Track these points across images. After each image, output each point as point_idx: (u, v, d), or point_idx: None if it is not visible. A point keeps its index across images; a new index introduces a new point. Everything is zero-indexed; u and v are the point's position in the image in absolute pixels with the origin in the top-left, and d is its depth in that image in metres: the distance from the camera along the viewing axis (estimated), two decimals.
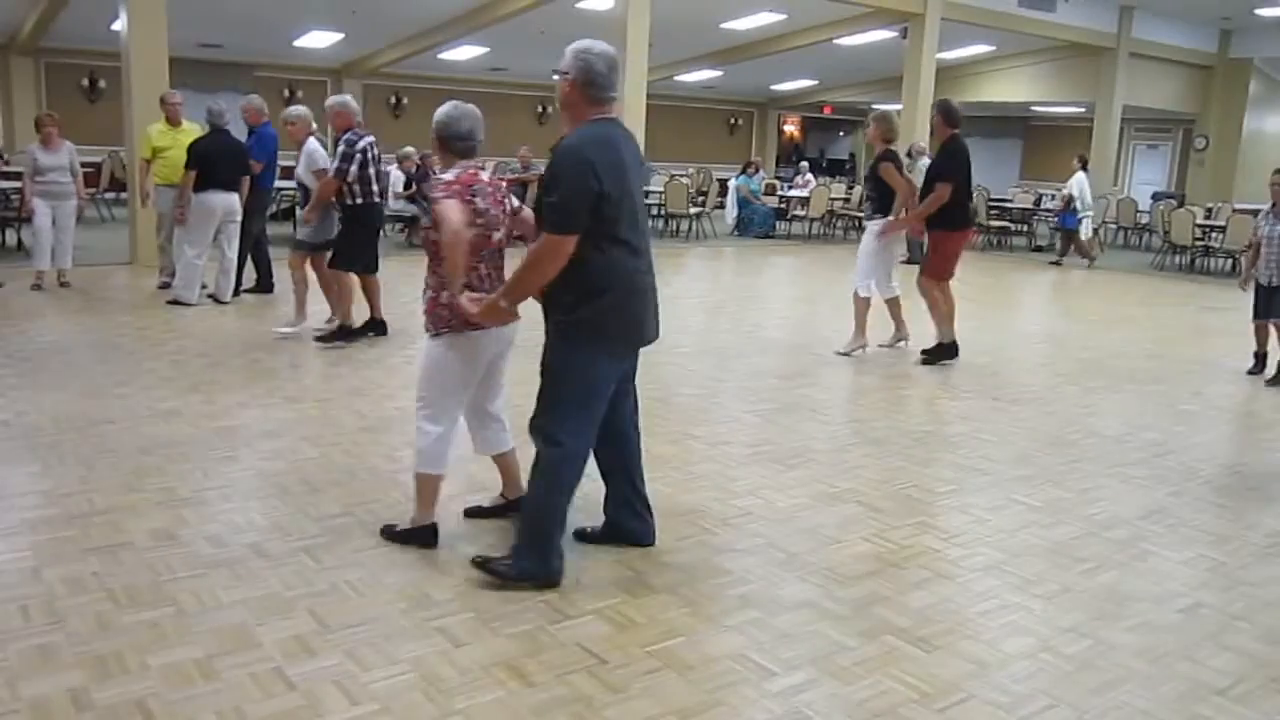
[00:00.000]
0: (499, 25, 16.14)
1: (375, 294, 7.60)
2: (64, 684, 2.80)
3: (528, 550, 3.53)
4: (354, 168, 7.00)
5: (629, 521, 3.91)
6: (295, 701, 2.77)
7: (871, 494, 4.71)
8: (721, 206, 18.26)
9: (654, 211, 17.32)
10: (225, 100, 9.12)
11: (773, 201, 18.43)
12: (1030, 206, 18.64)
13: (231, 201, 8.59)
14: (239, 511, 4.13)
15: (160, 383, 6.07)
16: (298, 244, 7.57)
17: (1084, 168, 15.31)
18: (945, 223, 7.49)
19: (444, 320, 3.68)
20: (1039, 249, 17.33)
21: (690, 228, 17.15)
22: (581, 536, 3.92)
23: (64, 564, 3.56)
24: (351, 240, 7.27)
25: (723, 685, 2.97)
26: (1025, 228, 18.30)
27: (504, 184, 3.98)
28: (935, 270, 7.65)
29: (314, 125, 7.71)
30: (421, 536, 3.82)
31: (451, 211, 3.52)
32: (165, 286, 9.24)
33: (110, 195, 15.69)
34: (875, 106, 7.48)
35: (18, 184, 10.42)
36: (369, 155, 7.10)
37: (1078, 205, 15.09)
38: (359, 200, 7.12)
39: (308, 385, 6.36)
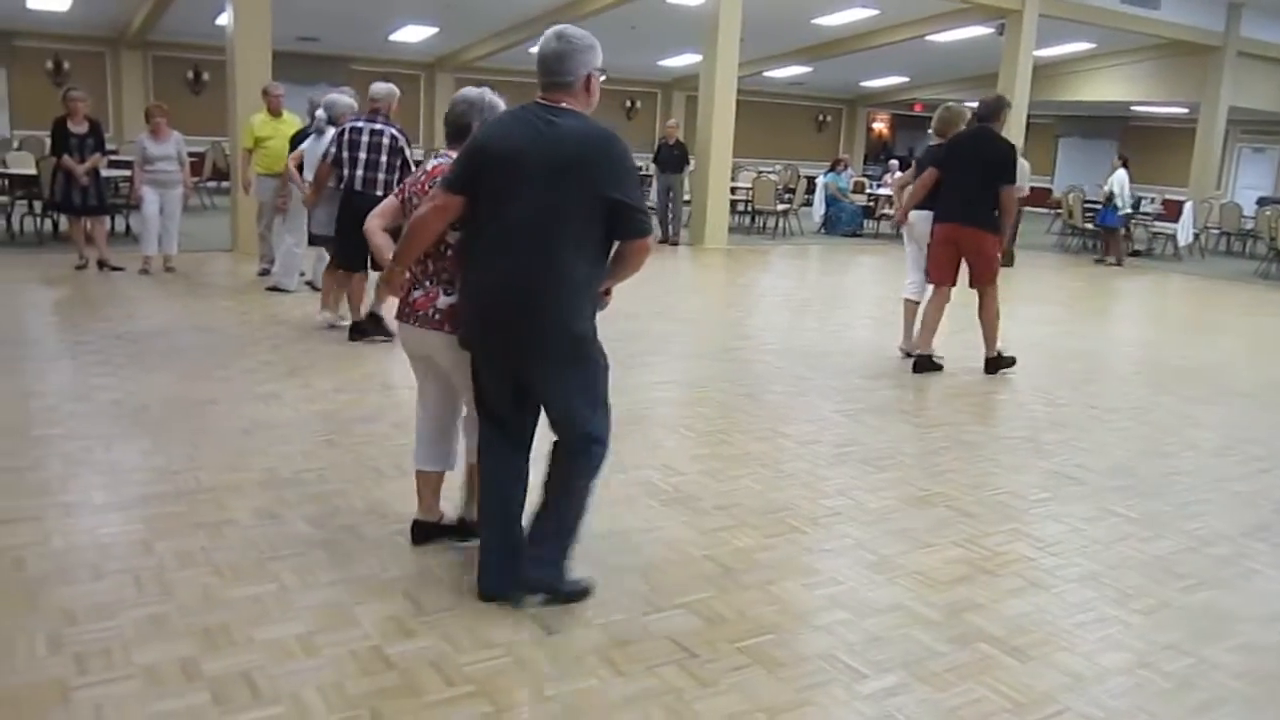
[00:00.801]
0: (590, 20, 16.22)
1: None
2: (174, 653, 2.91)
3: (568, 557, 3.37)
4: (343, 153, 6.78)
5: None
6: (393, 680, 2.84)
7: (963, 499, 4.64)
8: (809, 204, 18.12)
9: (741, 207, 17.29)
10: (324, 93, 9.34)
11: (861, 199, 18.23)
12: (1129, 210, 18.08)
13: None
14: (337, 494, 4.24)
15: (260, 366, 6.25)
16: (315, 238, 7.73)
17: (1125, 165, 15.53)
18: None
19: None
20: (1136, 253, 16.85)
21: (777, 225, 17.05)
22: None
23: (173, 538, 3.69)
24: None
25: (812, 685, 2.97)
26: (1123, 231, 17.78)
27: None
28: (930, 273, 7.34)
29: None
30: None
31: (383, 203, 3.67)
32: (264, 273, 9.51)
33: (212, 184, 16.19)
34: (968, 104, 7.34)
35: (127, 173, 10.81)
36: (344, 139, 6.79)
37: (1118, 203, 15.03)
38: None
39: (401, 372, 6.46)
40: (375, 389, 5.91)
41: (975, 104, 7.28)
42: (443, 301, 3.41)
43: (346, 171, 6.78)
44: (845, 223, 17.46)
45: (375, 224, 3.62)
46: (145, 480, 4.26)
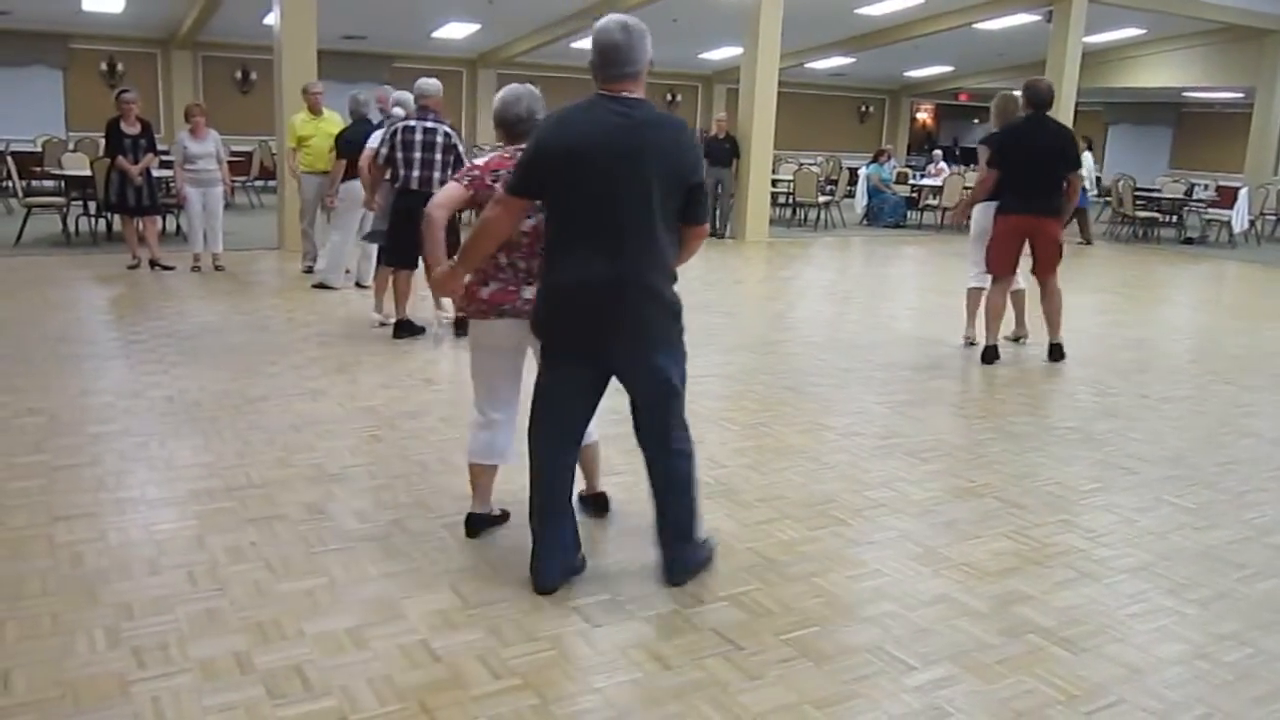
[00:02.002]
0: (631, 13, 16.22)
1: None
2: (229, 647, 2.95)
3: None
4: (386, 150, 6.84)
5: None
6: (441, 673, 2.87)
7: (1010, 490, 4.58)
8: (851, 195, 17.98)
9: (782, 200, 17.19)
10: (365, 91, 9.43)
11: (904, 190, 18.05)
12: (1181, 196, 17.76)
13: None
14: (384, 488, 4.28)
15: (307, 363, 6.33)
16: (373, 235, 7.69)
17: (1089, 148, 15.95)
18: (998, 210, 7.05)
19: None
20: (1189, 241, 16.53)
21: (819, 217, 16.94)
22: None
23: (225, 533, 3.75)
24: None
25: (860, 677, 2.95)
26: (1175, 218, 17.47)
27: None
28: (989, 263, 7.17)
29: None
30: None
31: (442, 192, 3.59)
32: (309, 271, 9.63)
33: (259, 183, 16.42)
34: (1016, 93, 7.21)
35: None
36: (398, 140, 6.82)
37: (1087, 185, 15.00)
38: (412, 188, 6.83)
39: (444, 369, 6.53)
40: (420, 385, 5.95)
41: (1019, 90, 7.12)
42: (529, 293, 3.48)
43: (402, 171, 6.80)
44: (888, 214, 17.30)
45: (440, 214, 3.52)
46: (197, 476, 4.33)
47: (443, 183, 6.47)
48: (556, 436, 3.38)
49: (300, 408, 5.37)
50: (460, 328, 7.26)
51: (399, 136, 6.79)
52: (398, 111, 7.74)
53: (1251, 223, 16.71)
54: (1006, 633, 3.25)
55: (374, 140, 7.28)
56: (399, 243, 6.87)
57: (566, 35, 18.29)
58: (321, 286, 8.90)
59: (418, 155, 6.78)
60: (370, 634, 3.06)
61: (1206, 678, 3.03)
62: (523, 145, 3.46)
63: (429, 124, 6.83)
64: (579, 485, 3.73)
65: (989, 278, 7.20)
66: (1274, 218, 17.75)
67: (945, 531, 4.06)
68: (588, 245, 3.16)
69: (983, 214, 7.27)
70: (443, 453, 4.73)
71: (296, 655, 2.92)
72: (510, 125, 3.68)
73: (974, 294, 7.48)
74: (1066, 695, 2.90)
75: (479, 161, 3.67)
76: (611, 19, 3.25)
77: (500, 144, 3.78)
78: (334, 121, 9.56)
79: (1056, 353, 7.21)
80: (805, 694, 2.84)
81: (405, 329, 7.21)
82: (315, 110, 9.62)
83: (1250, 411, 6.15)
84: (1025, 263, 7.17)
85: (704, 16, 16.92)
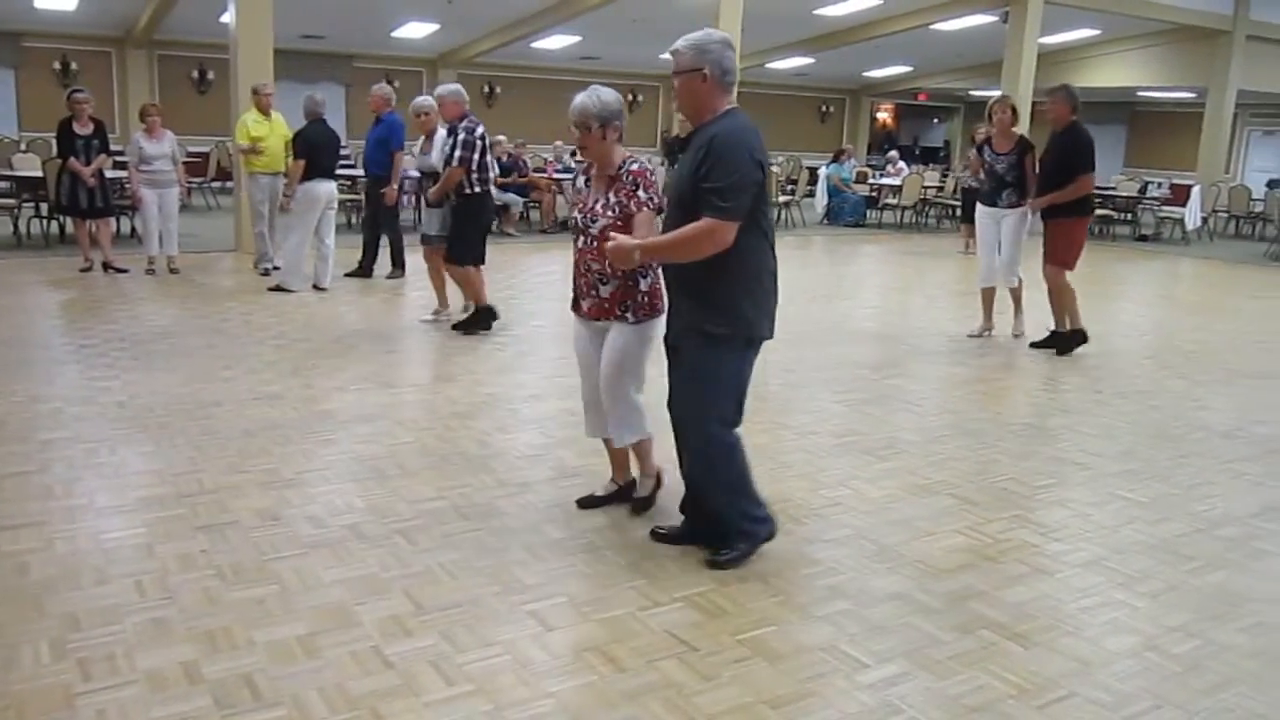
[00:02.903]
0: (592, 14, 16.21)
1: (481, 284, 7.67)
2: (177, 657, 2.91)
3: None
4: (475, 155, 7.06)
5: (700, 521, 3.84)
6: (393, 680, 2.84)
7: (965, 486, 4.62)
8: (812, 195, 18.06)
9: None
10: (324, 91, 9.40)
11: (864, 190, 18.16)
12: (1135, 195, 18.02)
13: (333, 189, 8.88)
14: (338, 494, 4.24)
15: (264, 367, 6.25)
16: (428, 238, 7.66)
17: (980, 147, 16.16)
18: (1078, 210, 7.35)
19: (645, 308, 3.83)
20: (1144, 238, 16.77)
21: (780, 216, 16.99)
22: (658, 537, 3.89)
23: (175, 541, 3.69)
24: (467, 231, 7.27)
25: (814, 676, 2.95)
26: (1130, 216, 17.72)
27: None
28: (1068, 258, 7.44)
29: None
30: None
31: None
32: (265, 274, 9.56)
33: (216, 184, 16.22)
34: (972, 93, 7.25)
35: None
36: (486, 143, 7.18)
37: None
38: (476, 189, 7.15)
39: (402, 372, 6.49)
40: (375, 388, 5.90)
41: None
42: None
43: (478, 174, 7.14)
44: (848, 213, 17.41)
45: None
46: (148, 483, 4.27)
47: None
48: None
49: (255, 412, 5.30)
50: (462, 326, 7.44)
51: (484, 140, 7.17)
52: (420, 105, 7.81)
53: (1204, 220, 16.98)
54: (959, 629, 3.27)
55: (457, 145, 7.14)
56: (482, 241, 7.43)
57: (527, 35, 18.25)
58: (279, 289, 8.81)
59: (490, 158, 7.28)
60: (322, 641, 3.03)
61: (1156, 669, 3.07)
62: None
63: (480, 128, 7.20)
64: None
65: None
66: (1226, 215, 18.06)
67: (901, 529, 4.08)
68: (769, 251, 3.58)
69: (1023, 219, 7.67)
70: (398, 458, 4.69)
71: (246, 664, 2.88)
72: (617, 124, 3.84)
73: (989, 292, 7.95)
74: (1018, 690, 2.92)
75: (647, 168, 3.87)
76: (720, 34, 3.54)
77: None
78: (282, 124, 9.55)
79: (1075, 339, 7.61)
80: (760, 694, 2.84)
81: (488, 315, 7.49)
82: (265, 111, 9.56)
83: (1202, 405, 6.24)
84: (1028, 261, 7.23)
85: (664, 16, 16.91)
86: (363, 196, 10.76)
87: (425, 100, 7.87)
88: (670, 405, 3.68)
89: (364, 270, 9.71)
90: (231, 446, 4.76)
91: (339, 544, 3.73)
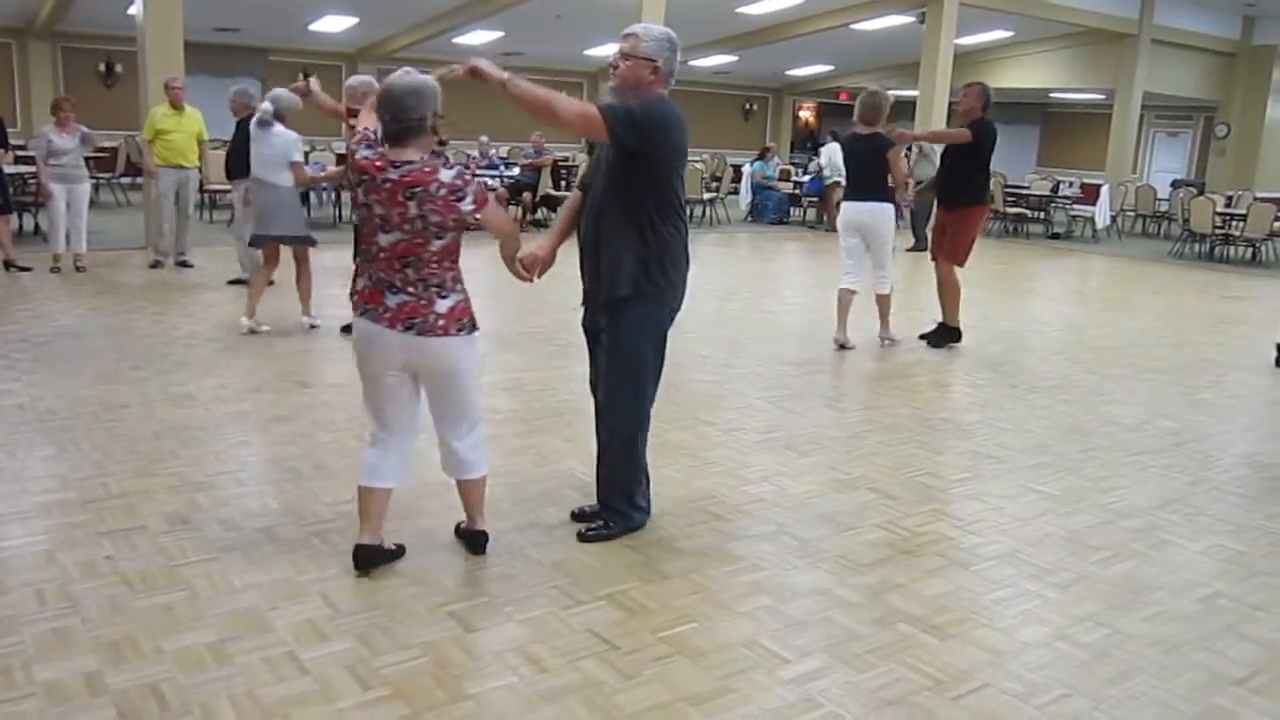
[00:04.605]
0: (514, 9, 16.07)
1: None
2: (78, 668, 2.80)
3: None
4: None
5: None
6: (307, 686, 2.77)
7: (885, 481, 4.68)
8: (735, 192, 18.17)
9: None
10: (246, 84, 9.29)
11: (787, 187, 18.33)
12: (1048, 193, 18.48)
13: None
14: (252, 496, 4.14)
15: (174, 367, 6.08)
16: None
17: (834, 139, 16.82)
18: (968, 199, 7.45)
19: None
20: (1056, 236, 17.21)
21: (704, 213, 17.07)
22: (579, 516, 3.97)
23: (78, 548, 3.56)
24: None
25: (735, 672, 2.96)
26: (1042, 214, 18.16)
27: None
28: (961, 253, 7.57)
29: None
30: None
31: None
32: (155, 265, 9.61)
33: (126, 180, 15.73)
34: (891, 93, 7.38)
35: (31, 168, 10.46)
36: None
37: (827, 173, 16.20)
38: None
39: (320, 371, 6.35)
40: (292, 388, 5.78)
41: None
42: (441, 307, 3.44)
43: None
44: (772, 210, 17.56)
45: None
46: (49, 488, 4.11)
47: None
48: None
49: (164, 414, 5.15)
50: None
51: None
52: (266, 107, 7.44)
53: (1113, 218, 17.49)
54: (878, 622, 3.31)
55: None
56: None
57: (448, 30, 18.02)
58: (238, 282, 8.76)
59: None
60: (233, 648, 2.94)
61: (1066, 659, 3.14)
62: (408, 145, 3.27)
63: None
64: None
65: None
66: (1133, 214, 18.62)
67: (822, 524, 4.12)
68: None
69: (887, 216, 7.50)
70: (316, 458, 4.59)
71: (153, 674, 2.79)
72: (383, 124, 3.35)
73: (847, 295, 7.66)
74: (934, 681, 2.97)
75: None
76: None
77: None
78: (195, 118, 9.40)
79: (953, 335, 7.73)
80: (680, 691, 2.84)
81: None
82: (177, 105, 9.39)
83: (1110, 399, 6.42)
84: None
85: (587, 12, 16.87)
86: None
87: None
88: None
89: None
90: (140, 449, 4.61)
91: (252, 547, 3.64)
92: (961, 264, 7.59)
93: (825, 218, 16.66)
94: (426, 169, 3.23)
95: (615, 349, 3.72)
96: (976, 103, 7.37)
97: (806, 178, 17.96)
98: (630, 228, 3.61)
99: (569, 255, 3.87)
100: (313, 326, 7.29)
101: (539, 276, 3.79)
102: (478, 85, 3.37)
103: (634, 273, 3.61)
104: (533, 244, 3.72)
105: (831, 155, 16.68)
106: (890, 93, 7.54)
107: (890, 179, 7.25)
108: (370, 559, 3.46)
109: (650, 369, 3.77)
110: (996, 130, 7.42)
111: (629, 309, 3.65)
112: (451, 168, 3.28)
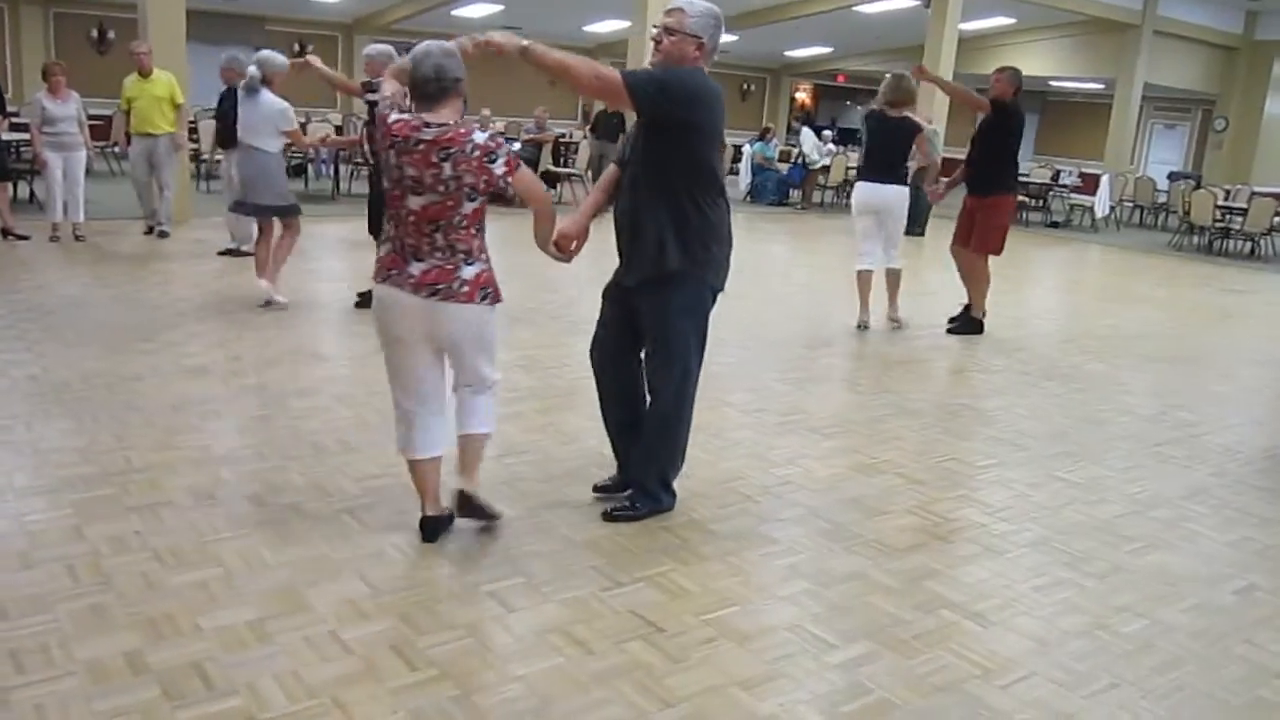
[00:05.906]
0: None
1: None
2: (118, 646, 2.75)
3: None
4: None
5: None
6: (353, 666, 2.73)
7: (911, 466, 4.66)
8: (734, 173, 18.09)
9: None
10: (237, 52, 9.14)
11: (786, 168, 18.25)
12: (1047, 182, 18.48)
13: None
14: (276, 471, 4.08)
15: (185, 338, 5.99)
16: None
17: (807, 125, 18.06)
18: (1001, 187, 7.44)
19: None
20: (1055, 224, 17.21)
21: None
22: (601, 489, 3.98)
23: (106, 522, 3.50)
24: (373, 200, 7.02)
25: (782, 656, 2.93)
26: (1041, 203, 18.16)
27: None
28: (994, 243, 7.55)
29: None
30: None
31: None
32: (149, 232, 9.60)
33: (118, 149, 15.51)
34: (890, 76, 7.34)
35: (27, 135, 10.29)
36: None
37: (806, 158, 17.13)
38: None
39: (335, 343, 6.28)
40: (308, 360, 5.71)
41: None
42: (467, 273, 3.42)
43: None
44: (771, 191, 17.49)
45: None
46: (71, 461, 4.04)
47: None
48: None
49: (180, 387, 5.07)
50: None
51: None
52: (253, 71, 7.21)
53: (1112, 208, 17.50)
54: (919, 608, 3.29)
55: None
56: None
57: (446, 2, 17.85)
58: (232, 253, 8.76)
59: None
60: (274, 627, 2.89)
61: (1109, 649, 3.13)
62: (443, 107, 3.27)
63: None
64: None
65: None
66: (1132, 205, 18.64)
67: (852, 508, 4.10)
68: None
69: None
70: (339, 433, 4.53)
71: (195, 653, 2.74)
72: (417, 85, 3.34)
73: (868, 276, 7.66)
74: (982, 669, 2.95)
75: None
76: None
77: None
78: (161, 83, 9.38)
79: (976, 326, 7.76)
80: (731, 675, 2.81)
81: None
82: (144, 71, 9.30)
83: (1125, 389, 6.41)
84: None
85: None
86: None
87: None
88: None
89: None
90: (158, 423, 4.54)
91: (282, 524, 3.58)
92: (998, 253, 7.58)
93: (806, 197, 17.44)
94: (461, 129, 3.25)
95: (660, 330, 3.66)
96: (1009, 86, 7.31)
97: (786, 166, 18.03)
98: (669, 205, 3.56)
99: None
100: (269, 302, 6.85)
101: (576, 253, 3.73)
102: (479, 59, 3.31)
103: (675, 251, 3.56)
104: (562, 221, 3.66)
105: (812, 142, 17.29)
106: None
107: (916, 163, 7.28)
108: (435, 529, 3.50)
109: (695, 349, 3.72)
110: (1024, 116, 7.39)
111: (671, 288, 3.60)
112: (485, 130, 3.32)
